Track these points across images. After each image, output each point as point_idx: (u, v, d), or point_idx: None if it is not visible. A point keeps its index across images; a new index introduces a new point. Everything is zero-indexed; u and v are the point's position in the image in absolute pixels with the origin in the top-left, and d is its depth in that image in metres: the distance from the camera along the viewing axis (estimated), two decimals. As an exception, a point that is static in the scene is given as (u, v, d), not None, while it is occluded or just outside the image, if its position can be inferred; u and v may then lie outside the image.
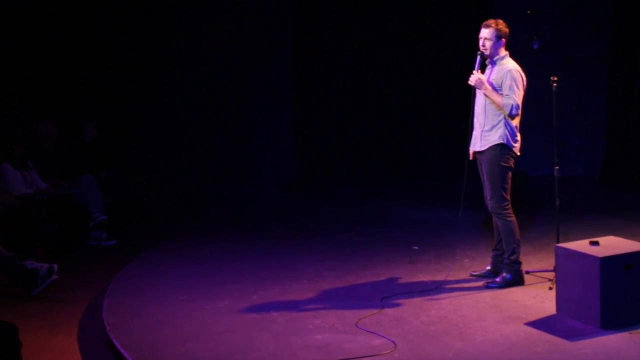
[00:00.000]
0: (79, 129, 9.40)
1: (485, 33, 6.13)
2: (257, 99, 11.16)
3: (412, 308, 5.74)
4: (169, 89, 10.98)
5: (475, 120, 6.25)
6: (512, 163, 6.13)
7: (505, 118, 6.06)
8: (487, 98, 6.10)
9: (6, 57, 9.69)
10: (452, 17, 10.91)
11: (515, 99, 5.99)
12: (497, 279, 6.20)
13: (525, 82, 6.12)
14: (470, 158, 6.33)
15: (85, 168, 8.90)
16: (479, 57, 6.17)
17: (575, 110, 10.92)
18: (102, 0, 10.54)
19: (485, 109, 6.14)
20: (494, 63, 6.17)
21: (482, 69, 6.24)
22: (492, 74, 6.17)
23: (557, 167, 6.14)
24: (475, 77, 6.12)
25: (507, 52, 6.18)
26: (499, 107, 6.04)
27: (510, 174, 6.14)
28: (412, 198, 10.18)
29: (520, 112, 6.05)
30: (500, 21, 6.16)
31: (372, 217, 9.16)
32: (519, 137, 6.17)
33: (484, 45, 6.14)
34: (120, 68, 10.68)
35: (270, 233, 8.47)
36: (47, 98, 9.98)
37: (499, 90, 6.06)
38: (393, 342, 5.08)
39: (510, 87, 6.02)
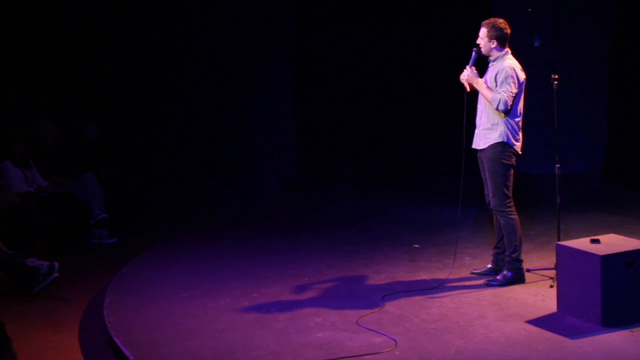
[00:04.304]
0: (80, 126, 9.40)
1: (480, 32, 6.17)
2: (257, 97, 11.17)
3: (413, 306, 5.74)
4: (169, 87, 10.99)
5: (477, 118, 6.27)
6: (513, 161, 6.13)
7: (505, 116, 6.06)
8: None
9: (7, 54, 9.69)
10: (452, 15, 10.91)
11: (504, 94, 5.96)
12: (498, 277, 6.20)
13: (522, 80, 6.09)
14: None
15: (86, 166, 8.91)
16: (474, 53, 6.19)
17: (576, 108, 10.93)
18: (103, -1, 10.58)
19: (485, 107, 6.15)
20: (492, 61, 6.19)
21: (483, 66, 6.25)
22: (489, 72, 6.19)
23: (558, 165, 6.15)
24: (466, 72, 6.15)
25: (507, 50, 6.16)
26: (490, 103, 6.04)
27: (512, 171, 6.14)
28: (413, 196, 10.19)
29: (509, 107, 5.98)
30: (499, 22, 6.13)
31: (372, 215, 9.16)
32: (520, 136, 6.17)
33: (479, 43, 6.17)
34: (121, 66, 10.69)
35: (271, 231, 8.48)
36: (48, 96, 9.99)
37: (493, 89, 6.07)
38: (394, 340, 5.08)
39: (502, 83, 6.01)
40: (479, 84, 6.12)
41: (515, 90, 6.02)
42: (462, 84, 6.23)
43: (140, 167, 10.47)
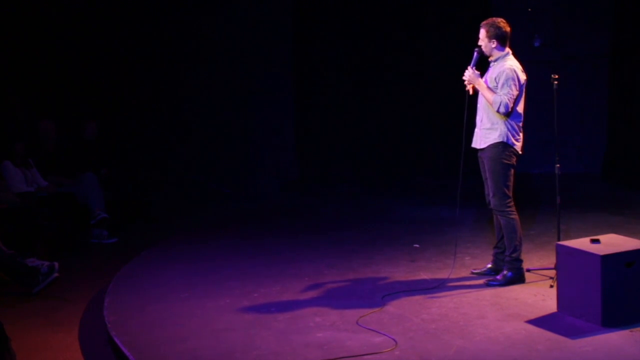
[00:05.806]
0: (80, 126, 9.40)
1: (480, 34, 6.17)
2: (257, 97, 11.17)
3: (413, 306, 5.74)
4: (169, 87, 10.99)
5: (477, 118, 6.27)
6: (514, 161, 6.13)
7: (506, 117, 6.06)
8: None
9: (7, 55, 9.69)
10: (452, 15, 10.92)
11: (505, 97, 5.97)
12: (498, 277, 6.20)
13: (522, 81, 6.09)
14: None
15: (86, 166, 8.91)
16: (476, 53, 6.19)
17: (576, 108, 10.93)
18: (103, -1, 10.57)
19: (486, 106, 6.15)
20: (493, 62, 6.19)
21: (483, 66, 6.25)
22: (490, 72, 6.19)
23: (558, 165, 6.15)
24: (468, 73, 6.15)
25: (508, 51, 6.17)
26: (490, 104, 6.04)
27: (512, 171, 6.14)
28: (413, 196, 10.19)
29: (510, 110, 5.98)
30: (498, 21, 6.13)
31: (372, 215, 9.16)
32: (521, 136, 6.16)
33: (480, 45, 6.17)
34: (120, 66, 10.68)
35: (270, 231, 8.48)
36: (48, 96, 9.98)
37: (494, 89, 6.07)
38: (394, 340, 5.08)
39: (503, 86, 6.02)
40: (481, 84, 6.13)
41: (515, 93, 6.02)
42: (465, 88, 6.22)
43: (140, 167, 10.47)
